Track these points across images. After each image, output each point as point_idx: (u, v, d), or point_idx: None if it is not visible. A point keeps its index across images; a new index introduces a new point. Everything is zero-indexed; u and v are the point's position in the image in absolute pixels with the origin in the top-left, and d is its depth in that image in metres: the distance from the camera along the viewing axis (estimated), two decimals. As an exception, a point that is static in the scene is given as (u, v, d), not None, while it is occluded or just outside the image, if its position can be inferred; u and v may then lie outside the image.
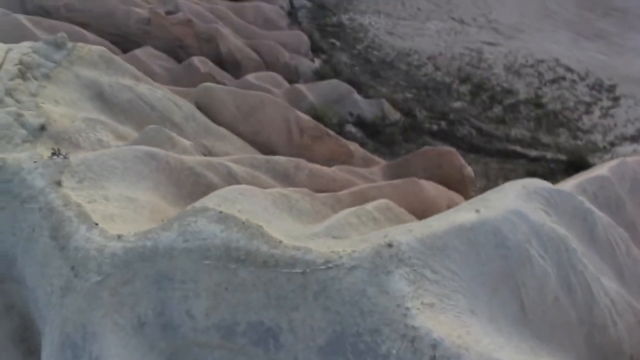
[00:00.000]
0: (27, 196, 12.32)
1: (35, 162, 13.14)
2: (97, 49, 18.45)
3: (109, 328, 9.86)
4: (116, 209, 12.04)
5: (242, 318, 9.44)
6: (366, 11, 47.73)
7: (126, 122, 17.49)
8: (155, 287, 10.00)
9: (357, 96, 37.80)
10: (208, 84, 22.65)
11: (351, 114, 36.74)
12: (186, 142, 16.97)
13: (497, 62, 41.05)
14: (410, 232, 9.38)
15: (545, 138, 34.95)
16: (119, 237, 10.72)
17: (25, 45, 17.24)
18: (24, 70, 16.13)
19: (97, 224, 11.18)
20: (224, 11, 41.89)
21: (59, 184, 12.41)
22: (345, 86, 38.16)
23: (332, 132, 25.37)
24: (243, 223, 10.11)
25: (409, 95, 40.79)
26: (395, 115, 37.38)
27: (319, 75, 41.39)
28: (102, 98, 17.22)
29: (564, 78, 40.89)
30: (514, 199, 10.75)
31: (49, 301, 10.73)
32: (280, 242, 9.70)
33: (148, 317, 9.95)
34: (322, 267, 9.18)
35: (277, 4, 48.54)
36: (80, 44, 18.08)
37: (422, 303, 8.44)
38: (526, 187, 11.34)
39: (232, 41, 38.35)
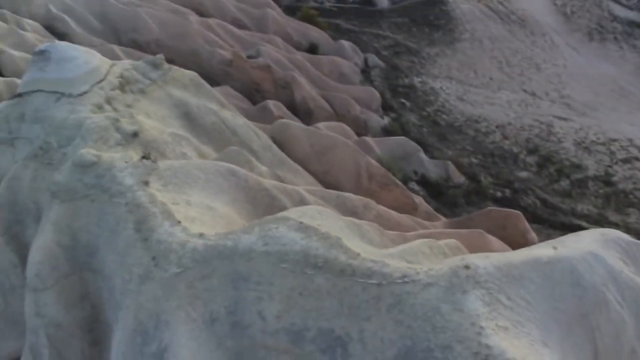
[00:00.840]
0: (116, 191, 13.06)
1: (126, 162, 13.97)
2: (189, 73, 19.59)
3: (182, 319, 10.19)
4: (197, 214, 12.56)
5: (313, 324, 9.60)
6: (438, 76, 48.62)
7: (208, 143, 18.31)
8: (230, 285, 10.32)
9: (423, 155, 38.06)
10: (285, 120, 23.49)
11: (415, 172, 36.96)
12: (263, 168, 17.61)
13: (567, 137, 40.73)
14: (487, 258, 9.44)
15: (613, 216, 34.10)
16: (201, 235, 11.19)
17: (127, 62, 18.54)
18: (124, 83, 17.29)
19: (179, 222, 11.71)
20: (301, 61, 43.54)
21: (146, 183, 13.11)
22: (412, 144, 38.56)
23: (399, 182, 25.64)
24: (323, 234, 10.41)
25: (474, 160, 40.77)
26: (459, 179, 37.36)
27: (387, 132, 42.03)
28: (188, 118, 18.14)
29: (637, 159, 40.10)
30: (591, 243, 10.66)
31: (126, 288, 11.19)
32: (358, 254, 9.92)
33: (220, 314, 10.24)
34: (399, 280, 9.31)
35: (352, 60, 50.09)
36: (175, 67, 19.26)
37: (496, 325, 8.42)
38: (604, 235, 11.23)
39: (306, 90, 39.63)
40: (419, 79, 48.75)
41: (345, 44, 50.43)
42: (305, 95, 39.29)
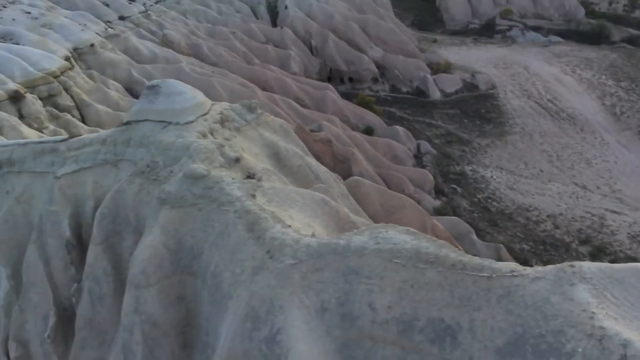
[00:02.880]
0: (225, 201, 14.13)
1: (233, 179, 15.16)
2: (278, 120, 21.15)
3: (296, 304, 10.88)
4: (301, 226, 13.46)
5: (423, 314, 10.17)
6: (489, 165, 49.71)
7: (294, 183, 19.43)
8: (342, 279, 11.03)
9: (475, 237, 38.40)
10: (358, 177, 24.58)
11: (467, 253, 37.16)
12: (345, 208, 18.53)
13: (621, 230, 40.70)
14: (589, 262, 10.02)
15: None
16: (313, 234, 12.06)
17: (225, 104, 20.19)
18: (224, 120, 18.82)
19: (290, 226, 12.64)
20: (359, 139, 45.34)
21: (253, 196, 14.19)
22: (465, 225, 39.05)
23: (460, 248, 26.20)
24: (430, 238, 11.17)
25: (526, 246, 40.91)
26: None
27: (439, 214, 42.68)
28: (277, 158, 19.41)
29: (692, 256, 39.57)
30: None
31: (237, 279, 11.98)
32: (466, 254, 10.61)
33: (330, 304, 10.89)
34: (508, 274, 9.94)
35: (406, 145, 51.74)
36: (266, 113, 20.83)
37: (607, 314, 8.90)
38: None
39: (364, 166, 41.03)
40: (470, 167, 49.87)
41: (399, 129, 52.38)
42: (363, 171, 40.62)
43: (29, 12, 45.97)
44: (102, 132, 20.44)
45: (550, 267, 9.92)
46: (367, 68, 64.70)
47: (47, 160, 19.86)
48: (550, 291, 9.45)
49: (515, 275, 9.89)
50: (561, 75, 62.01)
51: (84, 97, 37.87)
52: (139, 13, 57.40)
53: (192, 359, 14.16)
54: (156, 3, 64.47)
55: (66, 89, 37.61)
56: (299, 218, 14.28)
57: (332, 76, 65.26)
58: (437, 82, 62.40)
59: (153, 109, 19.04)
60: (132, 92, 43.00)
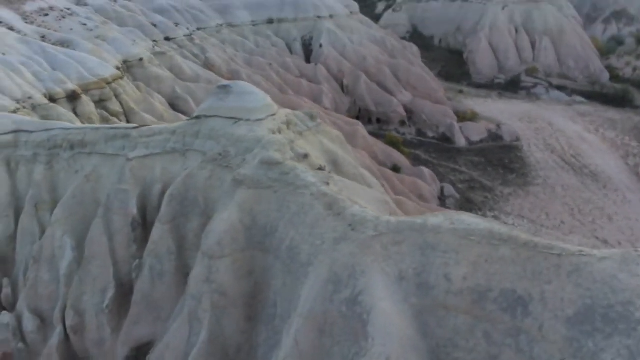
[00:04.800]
0: (301, 185, 15.26)
1: (305, 168, 16.33)
2: (335, 131, 22.50)
3: (377, 270, 11.88)
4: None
5: (496, 285, 11.13)
6: (511, 213, 50.63)
7: (348, 187, 20.59)
8: (419, 252, 12.04)
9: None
10: (401, 197, 25.47)
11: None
12: (400, 212, 19.55)
13: (640, 285, 40.99)
14: (655, 254, 10.99)
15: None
16: (391, 214, 13.13)
17: (288, 110, 21.54)
18: (289, 123, 20.11)
19: (366, 208, 13.72)
20: (389, 174, 46.54)
21: (327, 184, 15.32)
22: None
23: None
24: (501, 223, 12.21)
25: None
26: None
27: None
28: (335, 164, 20.55)
29: None
30: None
31: (318, 249, 13.01)
32: (536, 237, 11.63)
33: (408, 274, 11.88)
34: (577, 253, 10.93)
35: (431, 185, 52.82)
36: (324, 123, 22.13)
37: (672, 291, 9.85)
38: None
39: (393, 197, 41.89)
40: (492, 214, 50.73)
41: (425, 170, 53.57)
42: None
43: (85, 24, 48.26)
44: (172, 124, 21.79)
45: (615, 250, 10.92)
46: (396, 110, 66.38)
47: (119, 144, 21.18)
48: (617, 269, 10.42)
49: (584, 255, 10.88)
50: (585, 133, 63.46)
51: (132, 105, 39.51)
52: (184, 36, 59.78)
53: (256, 330, 15.02)
54: (198, 29, 67.02)
55: (116, 96, 39.31)
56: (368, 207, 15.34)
57: (361, 115, 66.91)
58: (462, 130, 63.79)
59: (224, 106, 20.41)
60: (175, 107, 44.61)
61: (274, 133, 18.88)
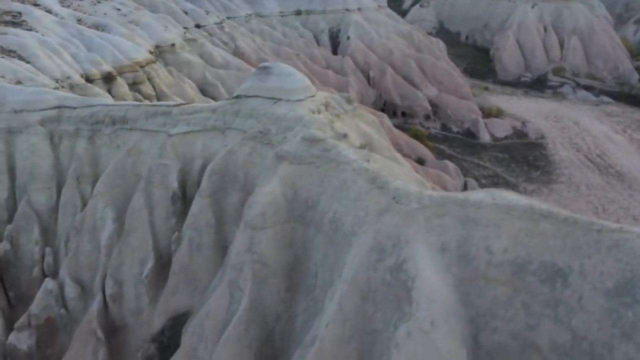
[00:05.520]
0: (343, 161, 15.73)
1: (346, 146, 16.78)
2: (371, 115, 22.91)
3: (420, 240, 12.31)
4: (410, 188, 14.93)
5: (536, 258, 11.49)
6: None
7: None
8: (461, 225, 12.44)
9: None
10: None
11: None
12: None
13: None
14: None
15: None
16: (434, 188, 13.52)
17: (326, 93, 22.00)
18: (327, 105, 20.56)
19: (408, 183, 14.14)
20: (414, 165, 46.67)
21: (367, 161, 15.76)
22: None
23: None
24: (541, 201, 12.55)
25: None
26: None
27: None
28: (371, 147, 20.91)
29: None
30: None
31: (362, 220, 13.48)
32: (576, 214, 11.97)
33: (450, 245, 12.29)
34: (617, 229, 11.26)
35: (455, 179, 52.95)
36: (361, 106, 22.54)
37: None
38: None
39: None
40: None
41: (449, 164, 53.71)
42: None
43: (119, 9, 49.12)
44: (212, 103, 22.38)
45: (655, 228, 11.25)
46: (421, 104, 66.51)
47: (160, 121, 21.81)
48: (657, 245, 10.74)
49: (624, 231, 11.21)
50: (611, 133, 63.07)
51: (164, 88, 40.25)
52: (214, 24, 60.47)
53: (295, 300, 15.53)
54: (227, 18, 67.69)
55: (149, 79, 40.06)
56: (405, 186, 15.75)
57: (386, 108, 67.12)
58: (487, 126, 63.76)
59: (264, 87, 20.93)
60: (205, 92, 45.27)
61: (313, 113, 19.35)
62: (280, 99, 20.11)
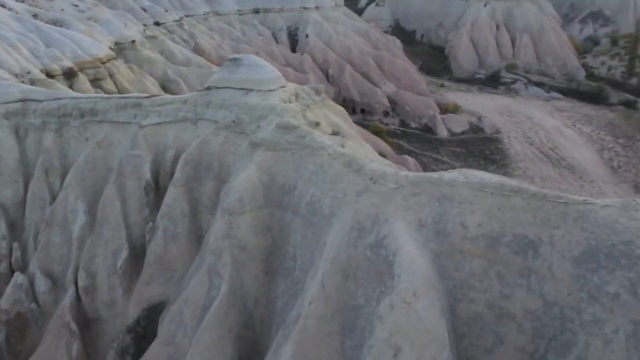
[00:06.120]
0: (318, 147, 16.15)
1: (320, 133, 17.21)
2: (339, 106, 23.40)
3: (399, 218, 12.86)
4: (384, 172, 15.46)
5: (509, 231, 12.18)
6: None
7: (352, 158, 21.51)
8: (437, 203, 13.03)
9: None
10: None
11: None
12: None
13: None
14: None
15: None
16: (409, 172, 14.09)
17: (295, 84, 22.39)
18: (297, 95, 20.95)
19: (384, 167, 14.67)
20: (375, 159, 47.36)
21: (342, 146, 16.24)
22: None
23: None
24: (510, 178, 13.27)
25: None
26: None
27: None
28: (341, 135, 21.44)
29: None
30: None
31: (341, 201, 13.95)
32: (543, 189, 12.72)
33: (427, 222, 12.86)
34: (581, 202, 12.03)
35: (414, 172, 53.97)
36: (328, 98, 23.03)
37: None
38: None
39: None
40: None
41: (409, 159, 54.77)
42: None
43: (76, 5, 48.30)
44: (183, 95, 22.48)
45: (616, 199, 12.06)
46: (380, 101, 67.52)
47: (130, 112, 21.79)
48: (618, 214, 11.53)
49: (588, 203, 11.98)
50: (562, 127, 65.44)
51: (126, 85, 39.87)
52: (173, 21, 60.05)
53: (274, 283, 15.87)
54: (186, 16, 67.25)
55: (111, 76, 39.62)
56: (378, 170, 16.28)
57: (345, 105, 67.68)
58: (445, 122, 65.25)
59: (235, 78, 21.17)
60: (166, 89, 44.93)
61: (285, 103, 19.71)
62: (251, 90, 20.40)
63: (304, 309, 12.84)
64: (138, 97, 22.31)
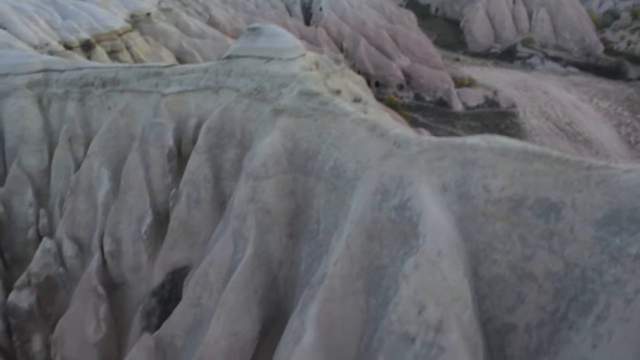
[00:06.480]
0: (340, 113, 16.35)
1: (342, 100, 17.39)
2: (358, 76, 23.49)
3: (423, 181, 13.08)
4: (406, 138, 15.64)
5: (532, 194, 12.37)
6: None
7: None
8: (459, 167, 13.22)
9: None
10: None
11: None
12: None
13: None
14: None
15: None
16: (431, 136, 14.26)
17: (314, 54, 22.47)
18: (317, 64, 21.05)
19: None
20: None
21: (364, 112, 16.41)
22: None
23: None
24: (534, 145, 13.41)
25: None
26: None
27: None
28: (359, 102, 21.60)
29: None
30: None
31: (365, 165, 14.18)
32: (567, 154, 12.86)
33: (450, 185, 13.08)
34: (604, 167, 12.17)
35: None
36: (347, 67, 23.12)
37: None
38: None
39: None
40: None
41: (424, 131, 54.84)
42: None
43: (91, -24, 48.29)
44: (203, 64, 22.67)
45: (637, 165, 12.20)
46: (394, 74, 67.26)
47: (152, 81, 22.03)
48: (640, 179, 11.69)
49: (610, 168, 12.12)
50: (579, 102, 64.90)
51: (143, 57, 40.09)
52: (188, -6, 60.06)
53: (298, 247, 16.21)
54: (200, -11, 67.12)
55: (127, 48, 39.85)
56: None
57: (359, 78, 67.74)
58: (460, 95, 64.97)
59: (255, 47, 21.29)
60: (181, 61, 45.07)
61: (306, 70, 19.84)
62: (272, 58, 20.53)
63: (330, 268, 13.17)
64: (159, 67, 22.53)
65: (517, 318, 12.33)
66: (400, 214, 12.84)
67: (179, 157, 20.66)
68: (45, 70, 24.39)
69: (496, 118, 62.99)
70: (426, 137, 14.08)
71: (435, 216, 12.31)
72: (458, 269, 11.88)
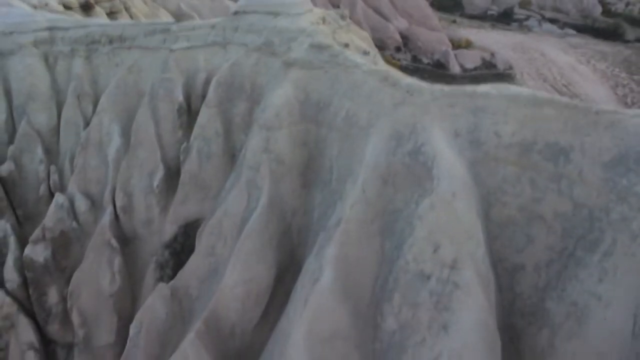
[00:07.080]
0: (351, 65, 16.60)
1: (352, 52, 17.63)
2: (363, 32, 23.60)
3: (436, 127, 13.47)
4: (416, 89, 15.96)
5: (541, 139, 12.79)
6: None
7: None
8: (471, 114, 13.60)
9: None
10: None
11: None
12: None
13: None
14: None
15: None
16: (443, 85, 14.63)
17: (321, 9, 22.57)
18: (324, 19, 21.18)
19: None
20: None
21: (375, 64, 16.69)
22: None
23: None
24: (543, 92, 13.76)
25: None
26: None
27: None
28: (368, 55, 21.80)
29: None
30: None
31: (379, 112, 14.54)
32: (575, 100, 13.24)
33: (462, 132, 13.47)
34: (612, 112, 12.57)
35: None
36: (353, 23, 23.24)
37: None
38: None
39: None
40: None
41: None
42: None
43: (86, -64, 47.54)
44: (210, 20, 22.75)
45: (643, 112, 12.64)
46: (392, 37, 67.16)
47: (159, 38, 22.15)
48: (647, 124, 12.11)
49: (618, 113, 12.53)
50: (576, 64, 65.18)
51: (142, 18, 39.84)
52: (183, -46, 59.10)
53: (311, 196, 16.65)
54: (195, -50, 66.09)
55: (126, 9, 39.57)
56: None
57: (357, 41, 67.51)
58: (457, 57, 65.06)
59: (262, 2, 21.35)
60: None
61: (314, 25, 19.99)
62: (279, 14, 20.63)
63: (346, 212, 13.63)
64: (166, 23, 22.60)
65: (526, 258, 12.87)
66: (414, 158, 13.26)
67: (189, 112, 20.92)
68: (51, 29, 24.36)
69: (494, 80, 62.72)
70: (438, 85, 14.41)
71: (449, 160, 12.74)
72: (471, 210, 12.37)
